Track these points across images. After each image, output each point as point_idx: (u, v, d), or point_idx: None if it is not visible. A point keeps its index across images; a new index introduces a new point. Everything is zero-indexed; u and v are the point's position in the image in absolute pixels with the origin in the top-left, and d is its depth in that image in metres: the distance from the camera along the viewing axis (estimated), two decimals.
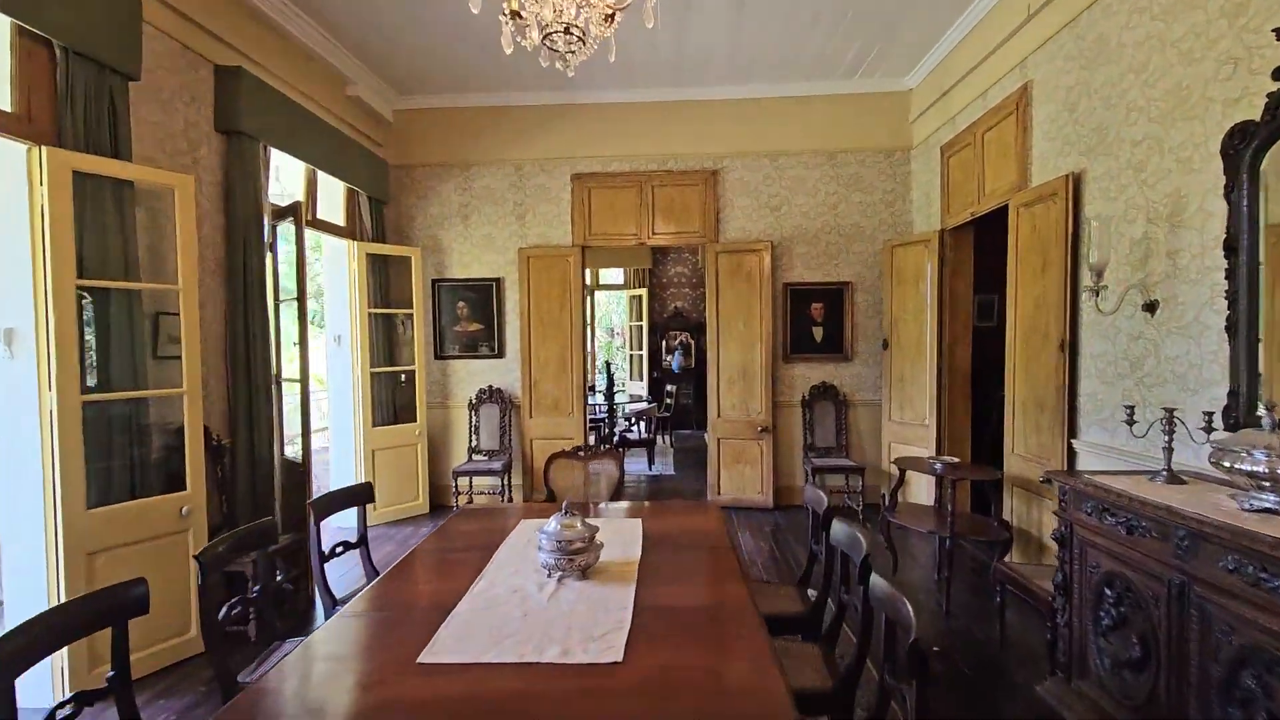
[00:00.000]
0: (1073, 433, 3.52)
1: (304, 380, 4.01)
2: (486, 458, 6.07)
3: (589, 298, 11.52)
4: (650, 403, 8.78)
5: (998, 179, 4.38)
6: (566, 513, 2.22)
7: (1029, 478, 3.85)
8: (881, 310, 5.91)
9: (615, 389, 13.02)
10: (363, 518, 3.07)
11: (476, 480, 6.01)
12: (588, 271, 11.41)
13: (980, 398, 5.50)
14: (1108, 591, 2.40)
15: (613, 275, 12.02)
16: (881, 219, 5.99)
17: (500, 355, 6.22)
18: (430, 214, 6.21)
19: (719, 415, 6.03)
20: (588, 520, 2.24)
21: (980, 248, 5.22)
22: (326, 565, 2.67)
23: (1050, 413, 3.65)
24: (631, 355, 11.57)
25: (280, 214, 4.15)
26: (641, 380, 11.14)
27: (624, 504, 3.48)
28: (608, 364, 8.92)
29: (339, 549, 2.85)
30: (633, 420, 8.08)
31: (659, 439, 9.66)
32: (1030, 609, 3.53)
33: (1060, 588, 2.67)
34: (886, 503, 4.17)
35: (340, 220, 5.53)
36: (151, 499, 3.15)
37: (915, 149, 5.87)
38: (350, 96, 5.44)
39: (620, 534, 2.69)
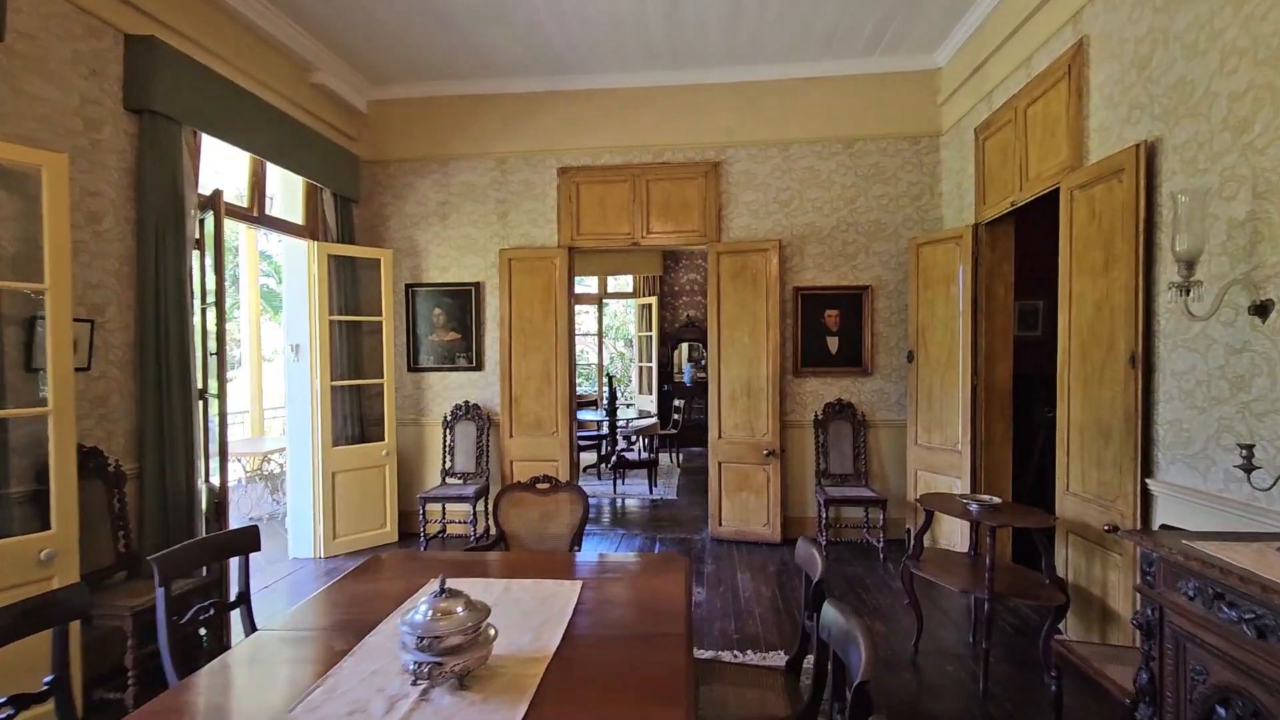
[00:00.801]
0: (1147, 470, 2.78)
1: (221, 396, 3.46)
2: (461, 481, 5.47)
3: (599, 308, 10.96)
4: (653, 419, 8.14)
5: (1044, 159, 3.67)
6: (443, 592, 1.59)
7: (1087, 523, 3.10)
8: (906, 318, 5.18)
9: (619, 403, 12.41)
10: (245, 571, 2.48)
11: (451, 508, 5.42)
12: (596, 280, 10.90)
13: (1023, 420, 4.73)
14: (1222, 712, 1.68)
15: (622, 283, 11.43)
16: (906, 214, 5.28)
17: (479, 367, 5.64)
18: (406, 213, 5.69)
19: (720, 436, 5.35)
20: (477, 602, 1.61)
21: (1022, 245, 4.49)
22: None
23: (1116, 444, 2.91)
24: (641, 367, 10.93)
25: (199, 206, 3.62)
26: (651, 394, 10.49)
27: (578, 556, 2.84)
28: (610, 377, 8.30)
29: (207, 611, 2.27)
30: (632, 439, 7.43)
31: (666, 458, 8.99)
32: (1096, 694, 2.78)
33: (1145, 692, 1.94)
34: (910, 548, 3.45)
35: (298, 218, 5.02)
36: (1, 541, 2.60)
37: (945, 134, 5.16)
38: (316, 84, 4.94)
39: (544, 607, 2.04)
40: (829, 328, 5.34)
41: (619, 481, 7.51)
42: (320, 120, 5.06)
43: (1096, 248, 3.06)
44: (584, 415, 8.40)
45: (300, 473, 5.04)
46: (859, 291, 5.31)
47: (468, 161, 5.62)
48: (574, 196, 5.51)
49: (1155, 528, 2.73)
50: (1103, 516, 2.99)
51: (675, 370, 10.58)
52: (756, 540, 5.24)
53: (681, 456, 9.14)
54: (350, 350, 5.30)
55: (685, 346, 10.63)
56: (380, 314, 5.36)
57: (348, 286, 5.29)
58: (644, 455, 7.13)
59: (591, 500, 7.00)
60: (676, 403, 8.93)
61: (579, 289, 10.96)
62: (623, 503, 6.77)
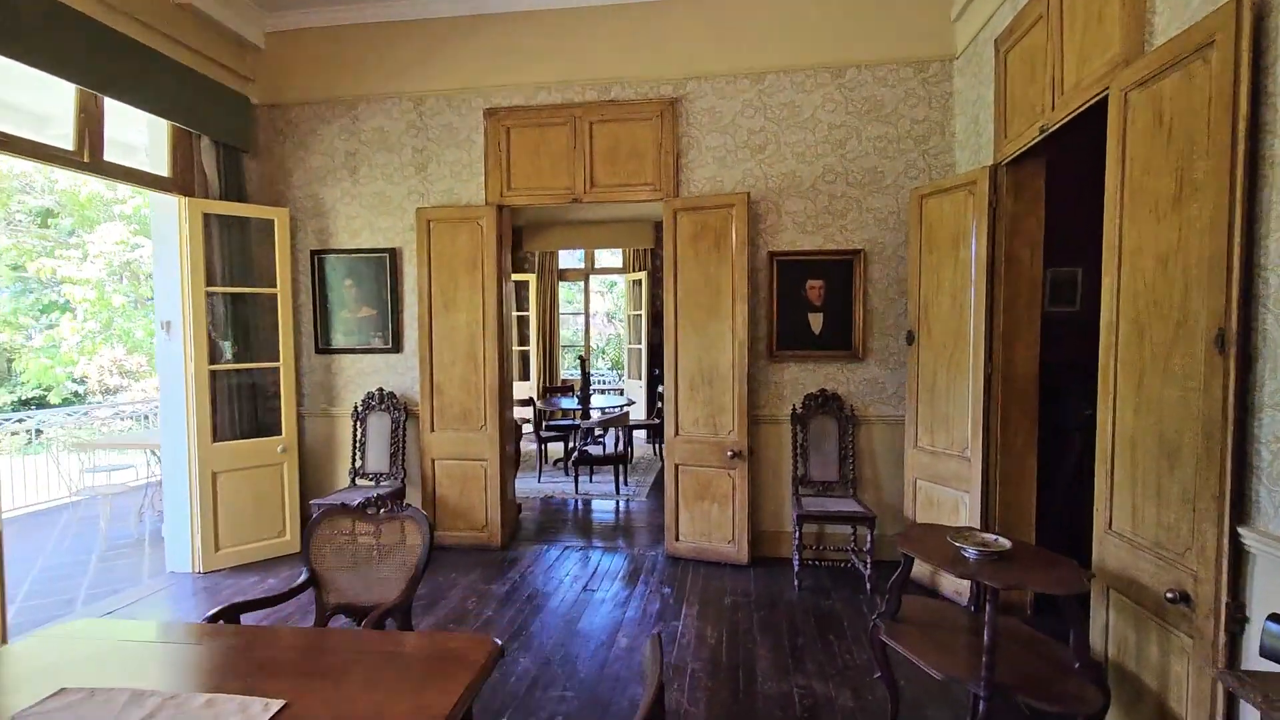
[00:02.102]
0: (1240, 513, 1.78)
1: None
2: (373, 483, 4.65)
3: (585, 284, 10.05)
4: (623, 407, 7.24)
5: (1087, 59, 2.62)
6: None
7: (1140, 581, 2.12)
8: (906, 290, 4.17)
9: (608, 389, 11.49)
10: None
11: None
12: (583, 254, 9.95)
13: (1053, 420, 3.71)
14: None
15: (611, 258, 10.49)
16: (909, 161, 4.23)
17: (396, 349, 4.79)
18: (311, 167, 4.82)
19: (677, 433, 4.42)
20: None
21: (1056, 195, 3.44)
22: None
23: (1190, 469, 1.92)
24: (631, 350, 10.01)
25: None
26: (640, 379, 9.57)
27: (332, 635, 1.95)
28: (581, 359, 7.40)
29: None
30: (598, 432, 6.53)
31: (651, 450, 8.08)
32: None
33: None
34: (884, 602, 2.50)
35: (162, 169, 4.18)
36: None
37: (960, 56, 4.08)
38: (182, 3, 4.07)
39: None
40: (811, 302, 4.34)
41: (585, 479, 6.64)
42: (192, 51, 4.19)
43: (1164, 173, 2.03)
44: (564, 403, 7.54)
45: (175, 473, 4.27)
46: (848, 257, 4.29)
47: (379, 103, 4.71)
48: (504, 144, 4.58)
49: (1252, 606, 1.74)
50: (1164, 575, 2.01)
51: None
52: (718, 560, 4.32)
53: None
54: (242, 329, 4.49)
55: None
56: (275, 285, 4.53)
57: (236, 253, 4.46)
58: (610, 450, 6.23)
59: (552, 500, 6.31)
60: (661, 388, 8.00)
61: (564, 263, 10.05)
62: (580, 505, 5.90)
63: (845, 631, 3.37)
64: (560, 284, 9.94)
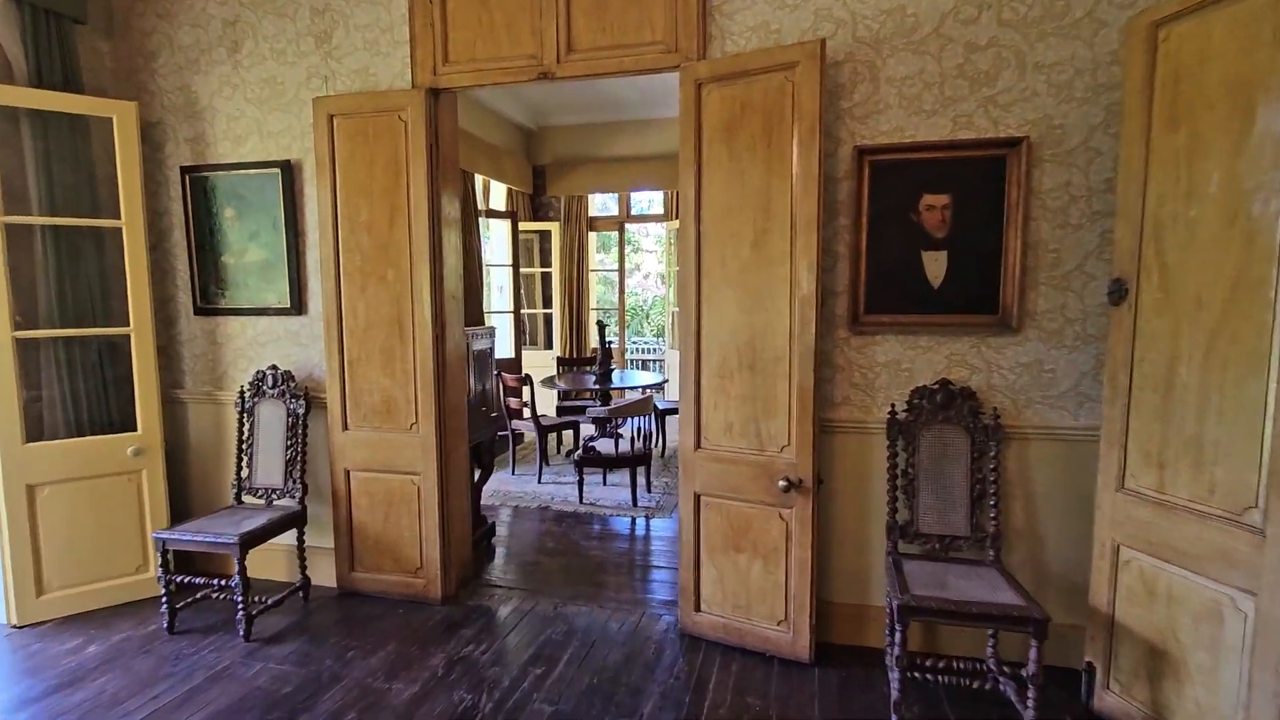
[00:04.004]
0: None
1: None
2: (264, 501, 3.25)
3: (620, 234, 8.41)
4: (650, 389, 5.62)
5: None
6: None
7: None
8: (1112, 208, 2.35)
9: (632, 358, 9.85)
10: None
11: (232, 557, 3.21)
12: (616, 199, 8.20)
13: None
14: None
15: (648, 201, 8.78)
16: None
17: (298, 309, 3.33)
18: (180, 45, 3.35)
19: (698, 444, 2.78)
20: None
21: None
22: None
23: None
24: (673, 313, 8.34)
25: None
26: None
27: None
28: (600, 326, 5.81)
29: None
30: (611, 424, 4.92)
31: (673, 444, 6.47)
32: None
33: None
34: None
35: None
36: None
37: None
38: None
39: None
40: (928, 233, 2.57)
41: (595, 481, 5.11)
42: None
43: None
44: (590, 381, 6.02)
45: None
46: (998, 153, 2.48)
47: None
48: None
49: None
50: None
51: None
52: (761, 649, 2.70)
53: None
54: (80, 279, 3.13)
55: None
56: (119, 215, 3.13)
57: (66, 170, 3.07)
58: (623, 450, 4.63)
59: (548, 511, 4.45)
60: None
61: (594, 210, 8.41)
62: (581, 523, 4.37)
63: None
64: (590, 234, 8.33)
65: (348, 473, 3.23)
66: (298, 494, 3.18)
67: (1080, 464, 2.49)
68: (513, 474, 5.46)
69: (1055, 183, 2.46)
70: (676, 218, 7.84)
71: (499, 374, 5.42)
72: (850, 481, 2.74)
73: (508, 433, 5.60)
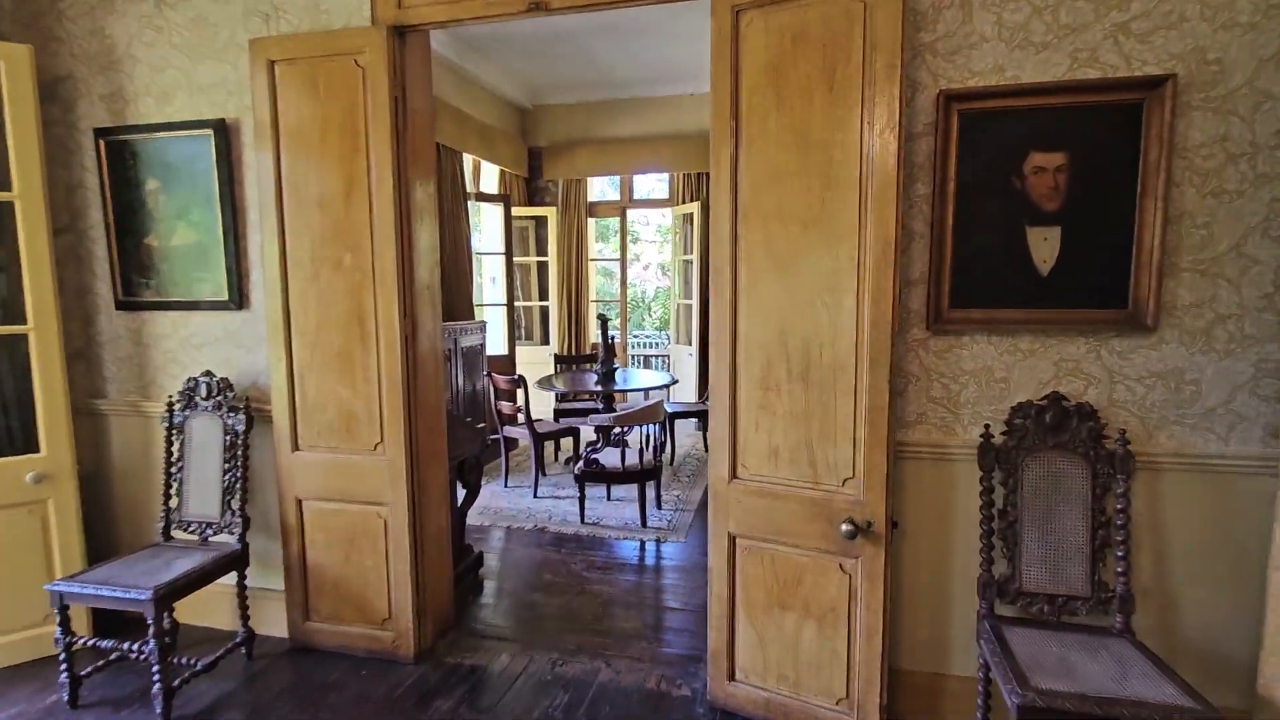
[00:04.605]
0: None
1: None
2: (197, 537, 2.66)
3: (621, 220, 7.82)
4: (658, 390, 5.05)
5: None
6: None
7: None
8: None
9: (635, 354, 9.30)
10: None
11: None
12: (618, 182, 7.50)
13: None
14: None
15: (652, 185, 8.19)
16: None
17: (238, 304, 2.73)
18: None
19: (734, 475, 2.20)
20: None
21: None
22: None
23: None
24: (679, 306, 7.76)
25: None
26: (690, 345, 7.34)
27: None
28: (602, 320, 5.22)
29: None
30: (617, 432, 4.33)
31: (694, 440, 5.89)
32: None
33: None
34: None
35: None
36: None
37: None
38: None
39: None
40: (1034, 204, 1.98)
41: (599, 494, 4.54)
42: None
43: None
44: (590, 381, 5.46)
45: None
46: (1130, 99, 1.89)
47: None
48: None
49: None
50: None
51: None
52: None
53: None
54: None
55: None
56: (11, 188, 2.53)
57: None
58: (629, 463, 4.05)
59: (544, 534, 3.88)
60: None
61: (593, 195, 7.79)
62: (581, 548, 3.79)
63: None
64: (590, 221, 7.72)
65: (299, 502, 2.65)
66: (237, 529, 2.60)
67: (1231, 503, 1.92)
68: (505, 486, 4.88)
69: (1207, 136, 1.88)
70: (683, 202, 7.26)
71: (490, 375, 4.84)
72: (925, 521, 2.16)
73: (499, 437, 5.02)
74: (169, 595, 2.27)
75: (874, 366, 1.94)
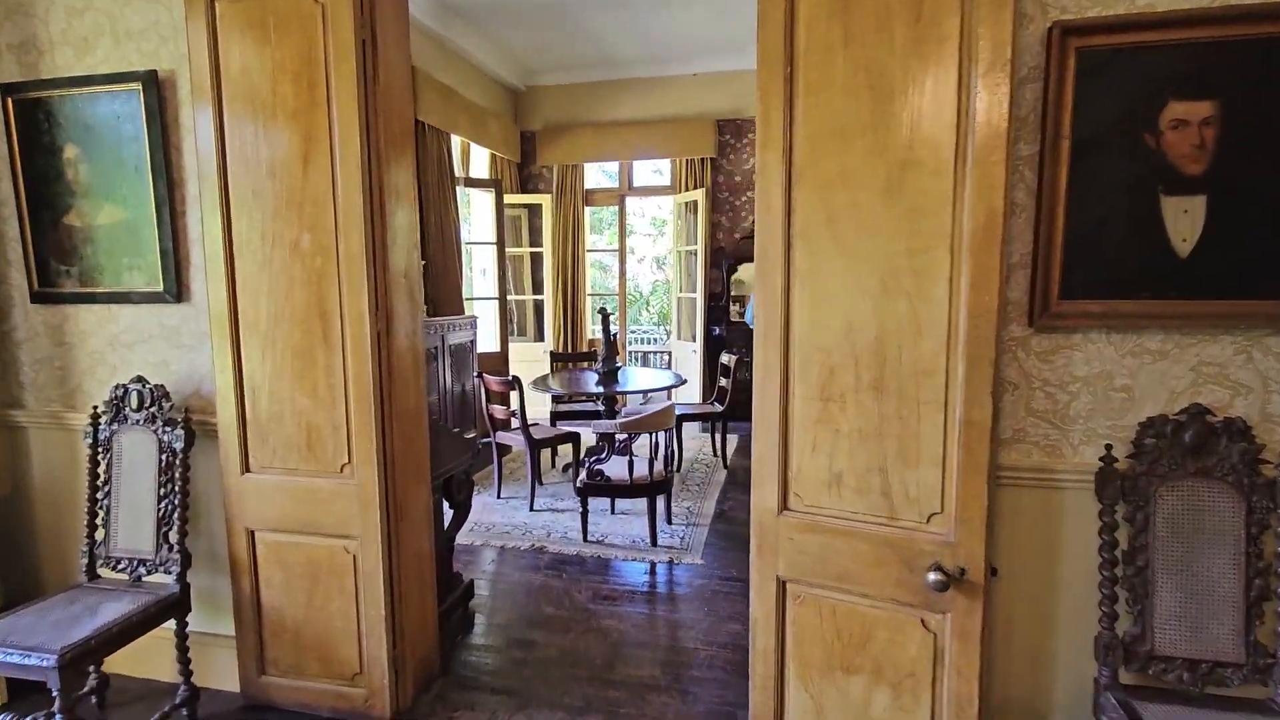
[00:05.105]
0: None
1: None
2: (127, 577, 2.21)
3: (620, 209, 7.40)
4: (667, 391, 4.63)
5: None
6: None
7: None
8: None
9: (635, 350, 8.96)
10: None
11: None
12: (617, 169, 6.93)
13: None
14: None
15: (650, 172, 7.77)
16: None
17: (176, 295, 2.27)
18: None
19: (784, 504, 1.77)
20: None
21: None
22: None
23: None
24: (681, 300, 7.34)
25: None
26: (694, 341, 6.93)
27: None
28: (603, 315, 4.79)
29: None
30: (620, 439, 3.88)
31: (708, 446, 5.48)
32: None
33: None
34: None
35: None
36: None
37: None
38: None
39: None
40: (1171, 167, 1.57)
41: (602, 507, 4.12)
42: None
43: None
44: (588, 382, 5.05)
45: None
46: None
47: None
48: None
49: None
50: None
51: (733, 304, 6.92)
52: None
53: (732, 447, 5.61)
54: None
55: (751, 269, 6.90)
56: None
57: None
58: (649, 468, 3.62)
59: (542, 556, 3.36)
60: (725, 358, 5.33)
61: (590, 182, 7.35)
62: (585, 572, 3.37)
63: None
64: (586, 209, 7.27)
65: (251, 534, 2.20)
66: (175, 567, 2.15)
67: None
68: (498, 498, 4.45)
69: None
70: (686, 189, 6.83)
71: (481, 375, 4.40)
72: (1022, 563, 1.75)
73: (490, 441, 4.58)
74: (81, 657, 1.82)
75: (973, 370, 1.52)
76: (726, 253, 6.87)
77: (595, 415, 5.20)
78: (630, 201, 7.57)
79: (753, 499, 1.83)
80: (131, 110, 2.18)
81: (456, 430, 3.31)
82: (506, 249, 6.43)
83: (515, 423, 4.28)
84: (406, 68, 2.22)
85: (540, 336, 7.26)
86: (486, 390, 4.32)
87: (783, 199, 1.69)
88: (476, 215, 6.69)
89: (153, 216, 2.22)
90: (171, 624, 2.17)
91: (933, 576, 1.54)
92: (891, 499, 1.64)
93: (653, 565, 3.44)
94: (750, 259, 6.85)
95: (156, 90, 2.16)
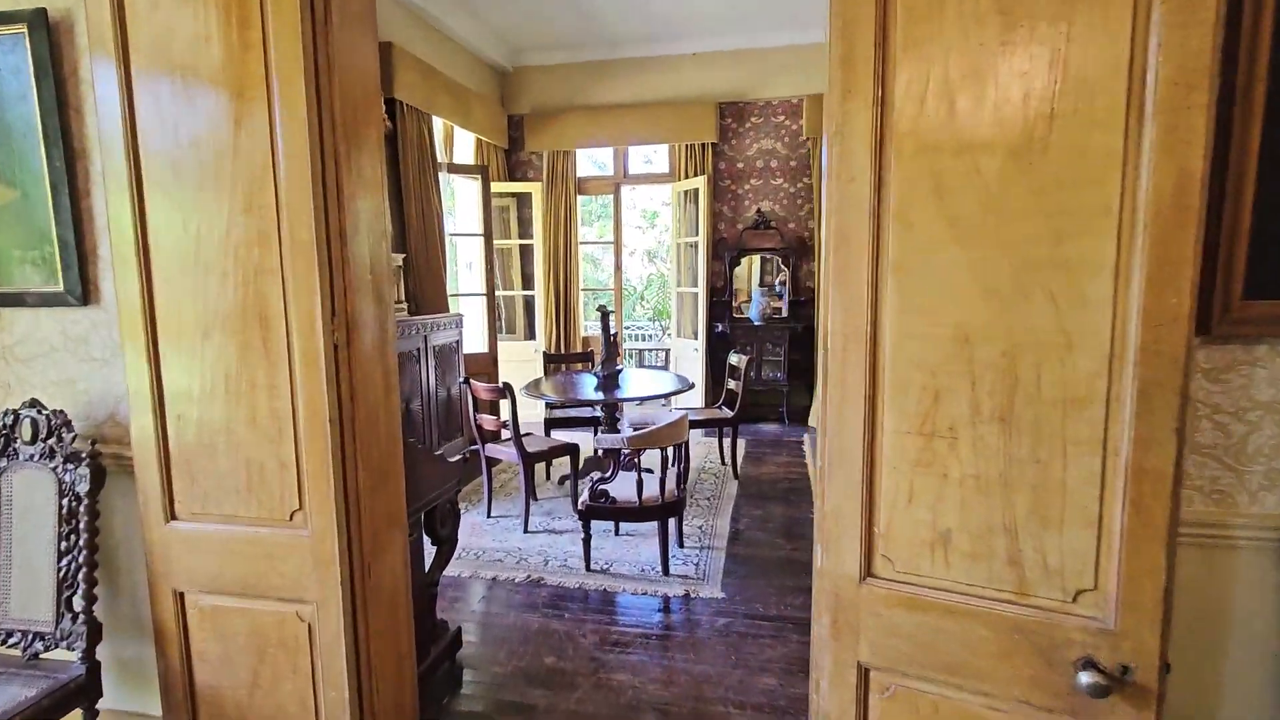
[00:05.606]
0: None
1: None
2: (21, 652, 1.76)
3: (615, 197, 6.97)
4: (674, 395, 4.20)
5: None
6: None
7: None
8: None
9: (630, 348, 8.59)
10: None
11: None
12: (612, 155, 6.43)
13: None
14: None
15: (647, 159, 7.34)
16: None
17: (81, 296, 1.81)
18: None
19: (868, 570, 1.35)
20: None
21: None
22: None
23: None
24: (681, 295, 6.91)
25: None
26: (696, 338, 6.51)
27: None
28: (603, 311, 4.35)
29: None
30: (627, 457, 3.44)
31: (715, 452, 5.06)
32: None
33: None
34: None
35: None
36: None
37: None
38: None
39: None
40: None
41: (607, 530, 3.70)
42: None
43: None
44: (583, 386, 4.61)
45: None
46: None
47: None
48: None
49: None
50: None
51: (737, 298, 6.50)
52: None
53: (741, 454, 5.20)
54: None
55: (755, 261, 6.51)
56: None
57: None
58: (659, 488, 3.19)
59: (539, 590, 2.86)
60: (734, 359, 4.91)
61: (582, 170, 6.88)
62: (588, 610, 2.94)
63: None
64: (579, 198, 6.81)
65: (180, 596, 1.75)
66: (81, 642, 1.70)
67: None
68: (488, 516, 4.00)
69: None
70: (685, 177, 6.39)
71: (468, 381, 3.95)
72: (1185, 641, 1.35)
73: (478, 448, 4.13)
74: None
75: (1149, 399, 1.10)
76: (728, 244, 6.45)
77: (593, 422, 4.77)
78: (623, 191, 7.12)
79: (822, 560, 1.40)
80: (17, 61, 1.72)
81: (439, 453, 2.86)
82: (494, 241, 5.97)
83: (506, 434, 3.83)
84: (370, 9, 1.77)
85: (531, 334, 6.81)
86: (474, 398, 3.87)
87: (872, 166, 1.26)
88: (461, 205, 6.22)
89: (48, 197, 1.75)
90: (78, 714, 1.72)
91: (1086, 678, 1.13)
92: (1022, 569, 1.23)
93: (666, 600, 3.02)
94: (754, 250, 6.48)
95: (48, 36, 1.69)
